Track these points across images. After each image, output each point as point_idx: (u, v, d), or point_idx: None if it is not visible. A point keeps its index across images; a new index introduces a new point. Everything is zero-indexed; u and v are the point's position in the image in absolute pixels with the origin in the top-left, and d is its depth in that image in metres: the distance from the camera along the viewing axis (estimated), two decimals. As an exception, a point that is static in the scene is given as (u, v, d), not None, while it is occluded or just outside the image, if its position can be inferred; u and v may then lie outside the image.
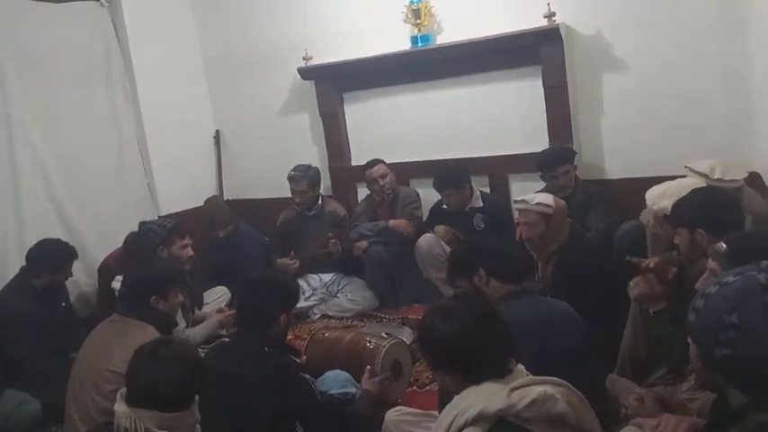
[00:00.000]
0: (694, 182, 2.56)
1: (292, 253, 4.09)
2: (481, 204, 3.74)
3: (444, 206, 3.79)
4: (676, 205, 2.23)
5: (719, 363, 1.18)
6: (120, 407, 1.64)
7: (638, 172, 3.52)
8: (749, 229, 2.23)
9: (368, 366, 2.57)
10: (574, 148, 3.61)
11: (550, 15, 3.49)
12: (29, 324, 3.02)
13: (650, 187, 2.70)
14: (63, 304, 3.39)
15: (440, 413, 1.56)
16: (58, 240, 3.33)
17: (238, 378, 2.09)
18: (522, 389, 1.42)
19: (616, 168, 3.67)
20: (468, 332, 1.49)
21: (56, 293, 3.32)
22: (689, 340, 1.27)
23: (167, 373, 1.64)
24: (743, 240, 1.72)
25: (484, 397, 1.41)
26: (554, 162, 3.46)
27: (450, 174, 3.74)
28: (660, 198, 2.50)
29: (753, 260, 1.33)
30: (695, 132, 3.35)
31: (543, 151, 3.58)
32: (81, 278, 3.83)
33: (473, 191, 3.76)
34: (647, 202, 2.59)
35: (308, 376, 2.28)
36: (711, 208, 2.10)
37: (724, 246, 1.67)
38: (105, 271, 3.57)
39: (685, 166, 2.87)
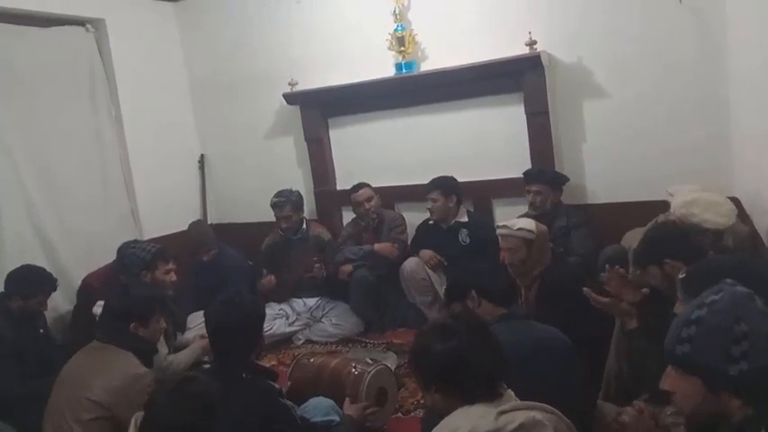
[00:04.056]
0: (721, 199, 2.59)
1: (264, 271, 4.12)
2: (466, 220, 3.77)
3: (428, 209, 3.79)
4: (637, 249, 2.28)
5: (735, 382, 1.15)
6: None
7: (621, 196, 3.58)
8: (710, 256, 2.27)
9: (347, 397, 2.56)
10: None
11: (532, 44, 3.55)
12: (4, 349, 2.95)
13: (632, 211, 2.75)
14: (41, 330, 3.31)
15: None
16: (42, 269, 3.26)
17: (221, 406, 2.04)
18: (511, 413, 1.41)
19: (598, 193, 3.71)
20: (462, 350, 1.50)
21: (34, 319, 3.24)
22: (677, 376, 1.24)
23: (182, 412, 1.62)
24: (699, 267, 1.74)
25: (471, 420, 1.41)
26: (526, 179, 3.57)
27: (440, 178, 3.78)
28: (690, 205, 2.50)
29: (704, 285, 1.33)
30: (676, 158, 3.40)
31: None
32: (60, 303, 3.76)
33: (460, 207, 3.79)
34: (672, 205, 2.59)
35: (288, 402, 2.24)
36: (672, 239, 2.21)
37: (684, 273, 1.70)
38: (87, 289, 3.53)
39: (666, 191, 2.92)
